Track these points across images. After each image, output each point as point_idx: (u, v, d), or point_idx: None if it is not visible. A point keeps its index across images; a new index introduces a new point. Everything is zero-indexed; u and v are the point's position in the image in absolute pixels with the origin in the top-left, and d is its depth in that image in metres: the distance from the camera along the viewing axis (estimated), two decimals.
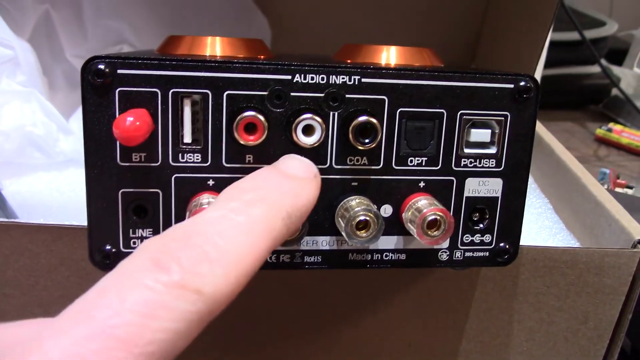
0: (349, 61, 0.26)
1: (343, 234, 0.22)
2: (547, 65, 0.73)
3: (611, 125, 0.71)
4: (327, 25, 0.55)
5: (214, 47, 0.24)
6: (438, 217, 0.21)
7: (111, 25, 0.43)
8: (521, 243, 0.26)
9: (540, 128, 0.45)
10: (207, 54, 0.24)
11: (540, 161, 0.41)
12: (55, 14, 0.43)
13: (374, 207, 0.22)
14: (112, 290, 0.13)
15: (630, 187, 0.52)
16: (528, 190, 0.38)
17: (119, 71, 0.20)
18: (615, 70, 0.83)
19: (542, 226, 0.33)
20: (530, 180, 0.41)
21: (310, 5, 0.55)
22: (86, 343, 0.12)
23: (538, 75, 0.68)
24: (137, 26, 0.45)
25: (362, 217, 0.21)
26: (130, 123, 0.19)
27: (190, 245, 0.14)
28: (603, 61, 0.84)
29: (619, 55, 0.86)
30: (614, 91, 0.76)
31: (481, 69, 0.23)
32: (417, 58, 0.25)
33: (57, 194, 0.31)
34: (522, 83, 0.22)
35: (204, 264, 0.14)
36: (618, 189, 0.52)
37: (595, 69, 0.72)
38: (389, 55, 0.25)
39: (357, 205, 0.22)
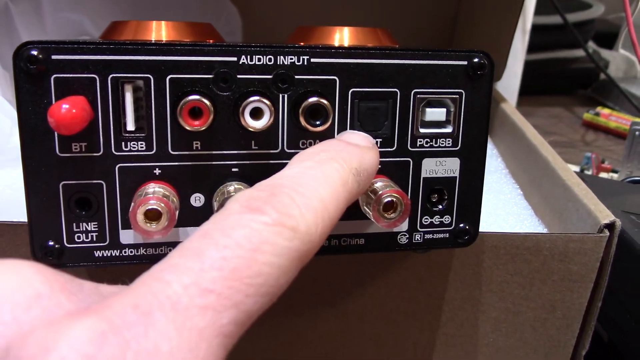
0: (301, 43, 0.25)
1: None
2: (535, 49, 0.72)
3: (599, 109, 0.71)
4: (301, 14, 0.54)
5: (160, 31, 0.23)
6: (394, 199, 0.21)
7: (71, 18, 0.42)
8: (486, 229, 0.26)
9: (514, 113, 0.44)
10: (153, 39, 0.23)
11: (514, 146, 0.40)
12: (14, 8, 0.42)
13: None
14: (216, 231, 0.14)
15: (616, 171, 0.52)
16: (498, 176, 0.38)
17: (54, 57, 0.19)
18: (605, 53, 0.82)
19: (509, 212, 0.33)
20: (502, 165, 0.40)
21: None
22: (203, 274, 0.13)
23: (521, 59, 0.67)
24: (98, 18, 0.43)
25: None
26: (66, 110, 0.18)
27: (277, 194, 0.15)
28: (592, 44, 0.84)
29: (609, 38, 0.86)
30: (603, 75, 0.76)
31: (432, 47, 0.22)
32: (370, 38, 0.25)
33: (9, 190, 0.30)
34: (476, 60, 0.22)
35: (294, 208, 0.15)
36: (603, 174, 0.52)
37: (583, 52, 0.71)
38: (342, 36, 0.25)
39: None
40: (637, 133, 0.50)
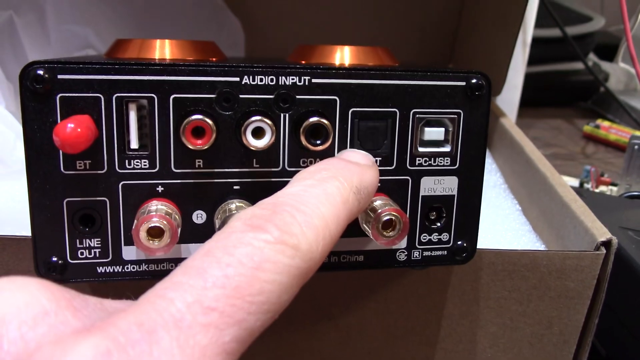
0: (303, 62, 0.25)
1: None
2: (536, 62, 0.72)
3: (599, 121, 0.71)
4: (304, 27, 0.55)
5: (163, 50, 0.24)
6: (393, 218, 0.21)
7: (75, 30, 0.43)
8: (484, 245, 0.26)
9: (512, 127, 0.45)
10: (156, 57, 0.23)
11: (512, 161, 0.41)
12: (19, 20, 0.43)
13: None
14: (218, 249, 0.14)
15: (615, 185, 0.52)
16: (497, 191, 0.39)
17: (59, 76, 0.20)
18: (605, 65, 0.82)
19: (507, 228, 0.33)
20: (501, 180, 0.40)
21: (285, 7, 0.54)
22: (206, 292, 0.13)
23: (521, 71, 0.68)
24: (102, 31, 0.44)
25: None
26: (71, 130, 0.19)
27: (279, 212, 0.16)
28: (593, 57, 0.84)
29: (610, 50, 0.86)
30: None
31: (433, 67, 0.23)
32: (371, 57, 0.25)
33: (12, 203, 0.30)
34: (474, 80, 0.22)
35: (295, 226, 0.15)
36: (602, 187, 0.52)
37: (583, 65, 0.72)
38: (343, 55, 0.25)
39: None
40: (636, 147, 0.50)
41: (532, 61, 0.69)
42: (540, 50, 0.70)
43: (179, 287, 0.13)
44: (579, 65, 0.78)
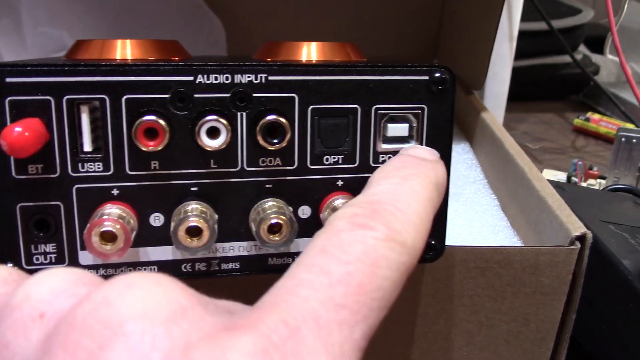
0: (268, 59, 0.25)
1: (255, 238, 0.21)
2: (525, 55, 0.72)
3: (589, 114, 0.70)
4: (286, 25, 0.54)
5: (124, 50, 0.23)
6: None
7: (51, 33, 0.42)
8: (460, 241, 0.25)
9: (493, 122, 0.44)
10: (117, 58, 0.23)
11: (493, 156, 0.40)
12: None
13: (288, 209, 0.21)
14: (334, 247, 0.14)
15: (604, 178, 0.51)
16: (477, 186, 0.38)
17: (8, 80, 0.19)
18: (596, 58, 0.82)
19: (485, 224, 0.32)
20: (481, 175, 0.40)
21: (267, 4, 0.54)
22: (334, 289, 0.13)
23: (508, 65, 0.67)
24: (79, 33, 0.43)
25: (273, 220, 0.20)
26: (18, 134, 0.18)
27: (378, 210, 0.16)
28: (584, 49, 0.84)
29: (601, 42, 0.85)
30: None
31: (395, 62, 0.22)
32: (337, 53, 0.25)
33: None
34: (437, 74, 0.22)
35: (398, 224, 0.16)
36: (591, 180, 0.52)
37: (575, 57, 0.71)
38: (309, 52, 0.24)
39: (269, 208, 0.21)
40: (623, 140, 0.50)
41: (522, 55, 0.68)
42: (529, 43, 0.70)
43: (309, 285, 0.13)
44: (569, 58, 0.77)
